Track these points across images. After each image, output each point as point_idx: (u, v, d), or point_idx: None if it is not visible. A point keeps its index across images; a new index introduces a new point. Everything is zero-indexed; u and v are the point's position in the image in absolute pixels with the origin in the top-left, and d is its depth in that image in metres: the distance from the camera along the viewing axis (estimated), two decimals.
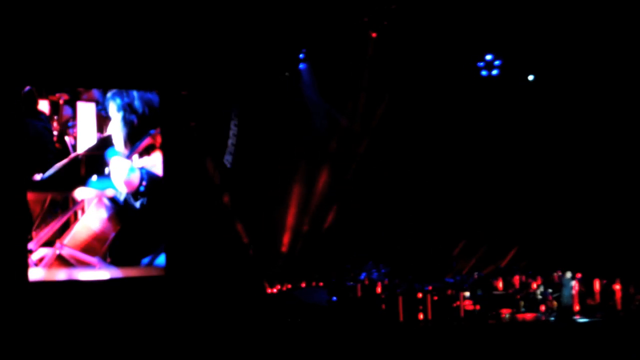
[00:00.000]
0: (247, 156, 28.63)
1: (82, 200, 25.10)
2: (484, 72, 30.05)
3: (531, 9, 27.86)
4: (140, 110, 25.82)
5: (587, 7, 27.64)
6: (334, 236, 29.79)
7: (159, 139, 26.03)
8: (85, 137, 25.46)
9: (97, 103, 25.58)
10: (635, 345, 21.75)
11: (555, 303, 26.51)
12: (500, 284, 28.11)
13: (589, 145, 29.69)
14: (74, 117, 25.44)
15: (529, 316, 26.82)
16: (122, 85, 25.95)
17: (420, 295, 26.62)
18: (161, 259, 25.82)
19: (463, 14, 28.12)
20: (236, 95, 28.18)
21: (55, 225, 24.72)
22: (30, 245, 24.24)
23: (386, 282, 27.95)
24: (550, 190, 30.25)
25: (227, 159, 28.52)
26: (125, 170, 25.66)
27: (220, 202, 28.06)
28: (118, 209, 25.41)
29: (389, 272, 28.68)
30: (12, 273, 23.91)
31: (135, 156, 25.71)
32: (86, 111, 25.60)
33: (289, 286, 28.79)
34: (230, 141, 28.64)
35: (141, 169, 25.68)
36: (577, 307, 26.57)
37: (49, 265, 24.38)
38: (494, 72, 29.97)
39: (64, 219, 24.92)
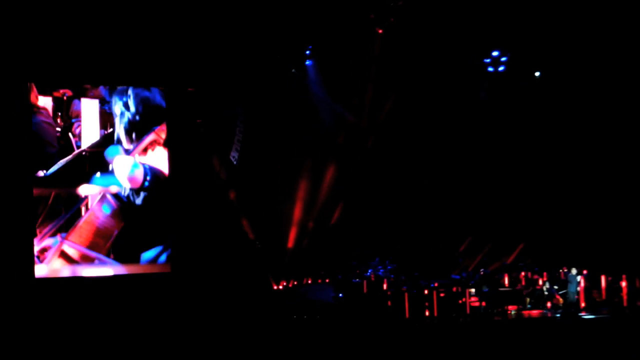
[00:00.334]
0: (253, 153, 28.56)
1: (86, 197, 25.07)
2: (490, 68, 29.98)
3: (537, 6, 27.78)
4: (135, 108, 25.73)
5: (592, 3, 27.63)
6: (339, 233, 29.67)
7: (162, 136, 25.94)
8: (89, 133, 25.32)
9: (102, 100, 25.55)
10: None
11: (561, 299, 26.42)
12: (506, 281, 28.08)
13: (595, 144, 29.57)
14: (78, 113, 25.46)
15: (535, 313, 26.76)
16: (129, 82, 25.86)
17: (426, 291, 26.63)
18: (164, 256, 25.91)
19: (469, 11, 28.02)
20: (242, 92, 28.10)
21: (59, 221, 24.72)
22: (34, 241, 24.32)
23: (392, 278, 27.92)
24: (557, 187, 30.14)
25: (234, 156, 28.46)
26: (129, 167, 25.60)
27: (227, 199, 27.97)
28: (122, 206, 25.26)
29: (395, 268, 28.63)
30: (18, 270, 23.91)
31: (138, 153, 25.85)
32: (90, 108, 25.46)
33: (295, 283, 28.76)
34: (236, 138, 28.58)
35: (145, 165, 25.65)
36: (583, 304, 26.54)
37: (52, 262, 24.34)
38: (501, 68, 29.89)
39: (67, 216, 24.84)
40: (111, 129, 25.50)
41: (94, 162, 25.20)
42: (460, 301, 26.32)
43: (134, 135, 25.65)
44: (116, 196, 25.24)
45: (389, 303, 26.35)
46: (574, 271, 25.82)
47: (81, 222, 24.79)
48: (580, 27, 27.87)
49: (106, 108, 25.51)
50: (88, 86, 25.43)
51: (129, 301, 23.98)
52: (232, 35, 26.47)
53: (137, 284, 24.75)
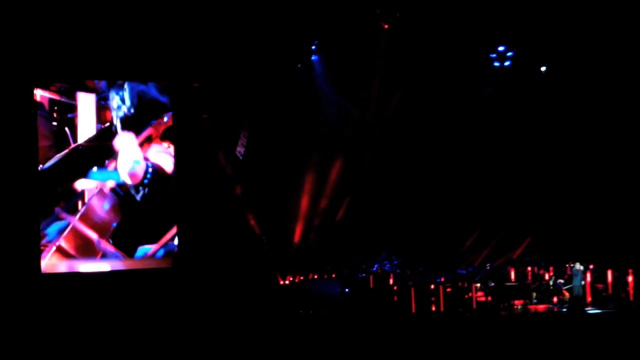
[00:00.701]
0: (259, 148, 28.55)
1: (83, 191, 24.80)
2: (496, 63, 29.91)
3: (544, 0, 27.74)
4: (130, 101, 25.64)
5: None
6: (345, 228, 29.64)
7: (160, 130, 25.87)
8: (85, 127, 25.09)
9: (98, 93, 25.24)
10: None
11: (567, 294, 26.38)
12: (512, 275, 28.04)
13: (603, 138, 29.49)
14: (74, 107, 25.24)
15: (541, 307, 26.72)
16: (135, 78, 25.77)
17: (432, 286, 26.60)
18: (162, 251, 25.89)
19: (474, 6, 27.96)
20: (248, 87, 28.06)
21: (54, 216, 24.41)
22: None
23: (398, 273, 27.89)
24: (563, 181, 30.08)
25: (240, 151, 28.43)
26: (131, 162, 25.59)
27: (233, 194, 27.96)
28: (119, 200, 25.08)
29: (401, 263, 28.60)
30: (24, 265, 23.92)
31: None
32: (86, 101, 25.21)
33: (301, 278, 28.74)
34: (242, 133, 28.56)
35: (147, 161, 25.61)
36: (589, 298, 26.50)
37: (49, 257, 24.13)
38: (507, 63, 29.83)
39: (64, 210, 24.56)
40: (108, 123, 25.35)
41: (91, 156, 25.00)
42: (466, 296, 26.32)
43: (129, 130, 25.63)
44: (113, 191, 25.06)
45: (395, 298, 26.34)
46: (578, 265, 25.78)
47: (78, 217, 24.62)
48: (585, 22, 27.83)
49: (102, 102, 25.46)
50: (89, 81, 25.51)
51: (132, 296, 23.94)
52: (238, 30, 26.37)
53: (139, 279, 24.75)
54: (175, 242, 25.74)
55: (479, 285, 26.56)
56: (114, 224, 25.01)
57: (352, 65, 29.12)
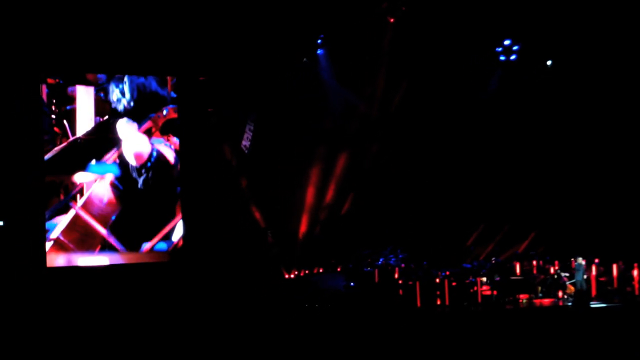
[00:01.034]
0: (265, 142, 28.54)
1: (82, 184, 24.79)
2: (502, 57, 29.88)
3: None
4: (130, 94, 25.62)
5: None
6: (350, 222, 29.62)
7: (159, 123, 25.85)
8: (84, 121, 25.06)
9: (97, 86, 25.27)
10: None
11: (572, 288, 26.35)
12: (517, 269, 28.01)
13: (608, 132, 29.43)
14: (72, 99, 25.13)
15: (546, 301, 26.70)
16: (141, 71, 25.78)
17: (437, 280, 26.58)
18: (161, 244, 25.98)
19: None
20: (254, 80, 28.03)
21: (54, 209, 24.52)
22: None
23: (403, 267, 27.87)
24: (568, 176, 30.02)
25: (245, 145, 28.42)
26: (136, 142, 25.62)
27: (238, 188, 27.97)
28: (118, 194, 25.02)
29: (406, 257, 28.57)
30: (30, 259, 23.95)
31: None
32: (85, 95, 25.20)
33: (306, 272, 28.73)
34: (247, 127, 28.55)
35: (152, 143, 25.62)
36: (594, 292, 26.47)
37: (47, 250, 24.26)
38: (512, 57, 29.79)
39: (63, 203, 24.61)
40: (106, 117, 25.32)
41: (89, 149, 24.98)
42: (471, 290, 26.30)
43: (130, 123, 25.48)
44: (112, 184, 25.04)
45: (400, 292, 26.32)
46: (580, 260, 25.75)
47: (77, 210, 24.63)
48: (591, 15, 27.76)
49: (101, 95, 25.40)
50: (90, 75, 25.49)
51: (134, 289, 23.95)
52: (244, 24, 26.35)
53: (141, 272, 24.75)
54: (174, 236, 25.82)
55: (484, 279, 26.53)
56: (113, 217, 25.04)
57: (358, 59, 29.09)
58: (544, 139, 30.03)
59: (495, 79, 30.22)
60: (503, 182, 30.21)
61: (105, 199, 24.91)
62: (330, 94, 29.49)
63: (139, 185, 25.23)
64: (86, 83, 25.23)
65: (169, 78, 26.23)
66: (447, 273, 26.48)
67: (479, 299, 26.00)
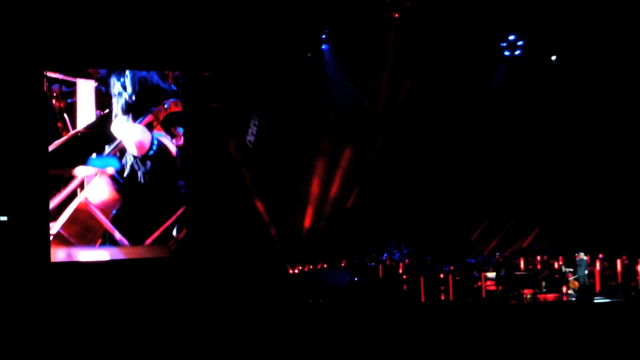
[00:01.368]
0: (269, 137, 28.56)
1: (82, 178, 24.71)
2: (507, 52, 29.85)
3: None
4: (132, 88, 25.62)
5: None
6: (355, 217, 29.64)
7: (160, 117, 25.85)
8: (84, 114, 24.98)
9: (98, 80, 25.16)
10: None
11: (576, 283, 26.35)
12: (522, 264, 28.02)
13: (613, 127, 29.39)
14: (73, 92, 25.02)
15: (550, 296, 26.71)
16: (145, 66, 25.79)
17: (442, 276, 26.61)
18: (163, 239, 25.86)
19: None
20: (258, 75, 28.03)
21: (52, 203, 24.49)
22: None
23: (407, 262, 27.91)
24: (573, 171, 30.00)
25: (250, 140, 28.44)
26: (138, 132, 25.64)
27: (242, 182, 27.98)
28: (118, 187, 24.92)
29: (410, 252, 28.58)
30: (34, 253, 23.99)
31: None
32: (86, 88, 25.10)
33: (310, 267, 28.76)
34: (252, 122, 28.56)
35: (153, 134, 25.64)
36: (598, 288, 26.46)
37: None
38: (517, 52, 29.76)
39: (62, 197, 24.57)
40: (107, 110, 25.22)
41: (90, 143, 24.91)
42: (476, 285, 26.32)
43: (131, 116, 25.50)
44: (112, 177, 24.90)
45: (405, 287, 26.35)
46: (582, 255, 25.75)
47: (77, 204, 24.53)
48: (596, 10, 27.73)
49: (102, 89, 25.29)
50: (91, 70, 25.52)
51: (134, 284, 24.03)
52: (249, 19, 26.30)
53: (141, 267, 24.78)
54: (175, 230, 25.85)
55: (488, 274, 26.55)
56: (114, 211, 25.06)
57: (362, 54, 29.08)
58: (549, 134, 30.00)
59: (500, 73, 30.21)
60: (507, 177, 30.20)
61: (106, 193, 24.85)
62: (335, 89, 29.49)
63: (139, 179, 25.23)
64: (87, 76, 25.22)
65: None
66: (452, 268, 26.51)
67: (483, 294, 26.04)
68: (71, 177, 24.62)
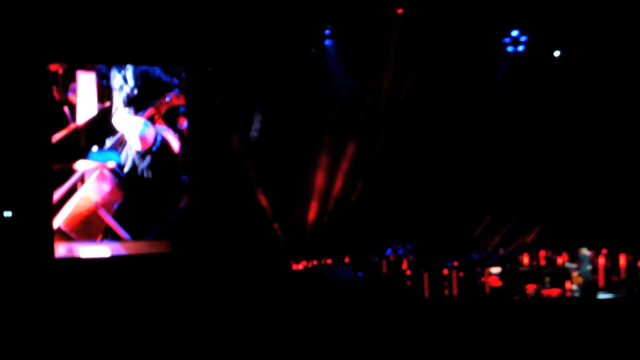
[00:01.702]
0: (272, 132, 28.56)
1: (83, 172, 24.72)
2: (510, 48, 29.84)
3: None
4: (133, 81, 25.57)
5: None
6: (359, 212, 29.66)
7: (162, 110, 25.85)
8: (85, 107, 24.90)
9: (99, 72, 25.11)
10: None
11: (580, 279, 26.35)
12: (525, 260, 28.03)
13: (617, 122, 29.38)
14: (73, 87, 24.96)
15: (554, 292, 26.70)
16: (149, 62, 25.82)
17: (445, 271, 26.63)
18: (165, 233, 25.85)
19: None
20: (261, 70, 28.04)
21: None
22: None
23: (411, 258, 27.92)
24: (577, 166, 29.99)
25: (253, 136, 28.44)
26: (141, 125, 25.35)
27: (245, 178, 28.00)
28: (120, 182, 24.92)
29: (414, 248, 28.61)
30: (39, 250, 23.99)
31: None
32: (86, 81, 25.04)
33: (314, 263, 28.77)
34: (256, 117, 28.56)
35: (156, 128, 25.63)
36: (601, 283, 26.45)
37: None
38: (520, 48, 29.74)
39: (63, 192, 24.59)
40: (108, 103, 25.16)
41: (91, 136, 24.89)
42: (479, 280, 26.33)
43: (133, 109, 25.40)
44: (114, 171, 24.89)
45: (409, 283, 26.37)
46: (585, 251, 25.75)
47: (76, 199, 24.50)
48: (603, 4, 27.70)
49: (103, 82, 25.18)
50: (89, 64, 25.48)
51: (135, 279, 24.07)
52: (252, 14, 26.24)
53: (141, 263, 24.81)
54: (178, 225, 25.82)
55: (495, 270, 26.56)
56: (115, 206, 25.03)
57: (365, 50, 29.07)
58: (552, 129, 29.99)
59: (504, 69, 30.19)
60: (511, 173, 30.20)
61: (107, 187, 24.80)
62: (338, 84, 29.49)
63: (141, 173, 25.20)
64: (88, 69, 25.18)
65: None
66: (455, 264, 26.52)
67: (487, 290, 26.02)
68: (72, 172, 24.54)
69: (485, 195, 29.93)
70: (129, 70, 25.32)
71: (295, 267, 27.67)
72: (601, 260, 26.29)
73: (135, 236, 25.02)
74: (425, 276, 25.68)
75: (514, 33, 29.28)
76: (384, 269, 26.83)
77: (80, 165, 24.59)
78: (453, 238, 29.29)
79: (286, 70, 27.92)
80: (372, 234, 28.81)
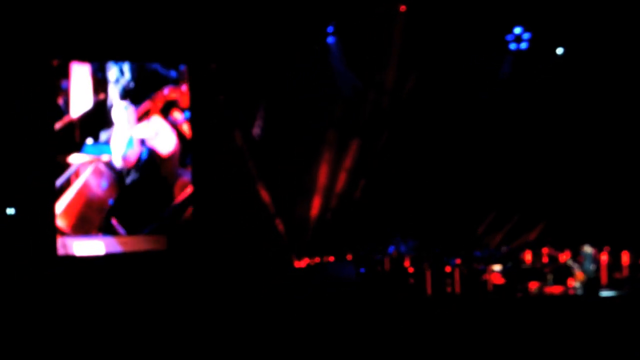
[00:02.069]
0: (275, 129, 28.53)
1: (77, 166, 24.46)
2: (512, 46, 29.79)
3: None
4: (130, 74, 25.46)
5: None
6: (362, 210, 29.63)
7: (158, 103, 25.77)
8: (80, 100, 24.58)
9: (94, 64, 24.86)
10: None
11: (583, 276, 26.31)
12: (528, 257, 28.00)
13: (620, 119, 29.34)
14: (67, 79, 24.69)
15: (557, 289, 26.67)
16: (151, 58, 25.77)
17: (448, 268, 26.60)
18: (162, 229, 25.65)
19: None
20: (265, 67, 28.02)
21: None
22: None
23: (413, 255, 27.89)
24: (580, 163, 29.95)
25: (256, 132, 28.42)
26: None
27: (248, 174, 27.99)
28: (115, 176, 24.69)
29: (417, 245, 28.59)
30: (42, 247, 23.93)
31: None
32: (81, 73, 24.75)
33: (317, 260, 28.75)
34: (259, 114, 28.54)
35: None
36: (604, 281, 26.41)
37: None
38: (523, 45, 29.70)
39: (57, 186, 24.30)
40: (104, 96, 24.89)
41: (85, 130, 24.59)
42: (482, 278, 26.30)
43: (128, 102, 25.12)
44: (109, 165, 24.64)
45: (411, 280, 26.34)
46: (587, 248, 25.72)
47: (70, 194, 24.23)
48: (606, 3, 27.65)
49: (98, 74, 24.91)
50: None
51: (134, 276, 24.02)
52: (255, 11, 26.24)
53: (140, 260, 24.76)
54: (174, 220, 25.73)
55: (494, 267, 26.54)
56: (111, 201, 24.91)
57: (368, 47, 29.06)
58: (555, 127, 29.96)
59: (507, 65, 30.15)
60: (514, 170, 30.17)
61: (102, 181, 24.65)
62: (341, 81, 29.48)
63: (128, 183, 25.06)
64: (82, 60, 25.01)
65: None
66: (458, 261, 26.49)
67: (490, 287, 26.00)
68: (66, 165, 24.34)
69: (488, 193, 29.87)
70: (126, 62, 25.15)
71: (297, 264, 27.61)
72: (604, 258, 26.23)
73: (131, 231, 24.85)
74: (428, 273, 25.63)
75: (517, 30, 29.13)
76: (387, 267, 26.77)
77: (75, 159, 24.33)
78: (456, 235, 29.24)
79: (289, 67, 27.86)
80: (375, 231, 28.74)
